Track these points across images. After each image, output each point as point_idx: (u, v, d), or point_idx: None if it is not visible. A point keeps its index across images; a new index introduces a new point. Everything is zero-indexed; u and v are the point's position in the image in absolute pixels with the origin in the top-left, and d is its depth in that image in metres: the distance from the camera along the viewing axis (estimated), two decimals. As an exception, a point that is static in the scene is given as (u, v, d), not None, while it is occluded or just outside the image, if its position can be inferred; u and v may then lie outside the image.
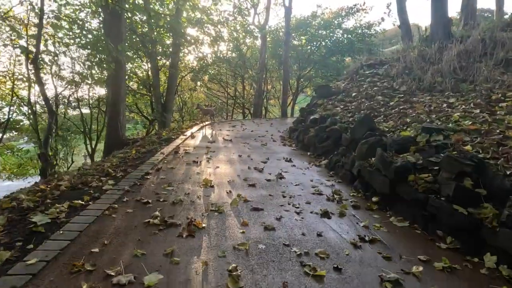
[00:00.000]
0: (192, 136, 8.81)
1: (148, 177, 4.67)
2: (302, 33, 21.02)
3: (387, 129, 5.59)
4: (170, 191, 4.11)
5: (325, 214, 3.67)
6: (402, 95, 7.44)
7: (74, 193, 3.87)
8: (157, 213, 3.31)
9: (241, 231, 3.08)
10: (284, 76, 18.42)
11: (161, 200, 3.74)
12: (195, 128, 10.30)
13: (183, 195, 3.98)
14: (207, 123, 11.92)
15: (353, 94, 8.51)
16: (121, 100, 9.24)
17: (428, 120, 5.28)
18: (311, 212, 3.72)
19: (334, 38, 20.90)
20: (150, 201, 3.68)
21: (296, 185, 4.80)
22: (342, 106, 8.16)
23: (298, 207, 3.85)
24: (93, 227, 2.99)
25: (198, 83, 19.18)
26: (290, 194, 4.32)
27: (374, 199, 4.19)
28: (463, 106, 5.65)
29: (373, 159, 4.62)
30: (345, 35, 20.68)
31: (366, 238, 3.12)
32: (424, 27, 14.54)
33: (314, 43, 21.58)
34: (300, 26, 20.57)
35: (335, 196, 4.34)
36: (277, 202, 3.97)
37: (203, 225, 3.13)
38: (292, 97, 22.24)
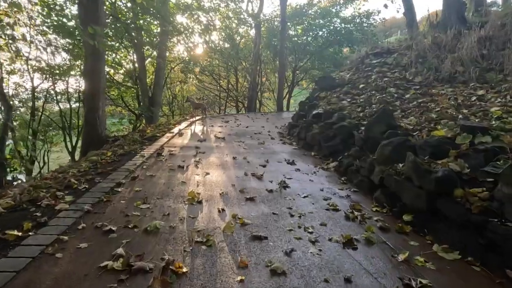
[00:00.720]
0: (180, 133, 7.83)
1: (120, 189, 3.71)
2: (298, 22, 20.01)
3: (411, 127, 4.69)
4: (145, 211, 3.17)
5: (349, 243, 2.77)
6: (418, 87, 6.55)
7: (13, 216, 2.91)
8: (121, 250, 2.37)
9: (238, 278, 2.16)
10: (280, 68, 17.45)
11: (130, 226, 2.80)
12: (184, 124, 9.31)
13: (161, 217, 3.04)
14: (197, 118, 10.93)
15: (361, 85, 7.60)
16: (100, 93, 8.20)
17: (461, 117, 4.39)
18: (330, 240, 2.82)
19: (332, 27, 19.93)
20: (114, 228, 2.73)
21: (304, 197, 3.89)
22: (349, 99, 7.25)
23: (312, 232, 2.94)
24: (22, 277, 2.04)
25: (189, 75, 18.08)
26: (299, 211, 3.41)
27: (405, 217, 3.30)
28: (499, 99, 4.78)
29: (400, 165, 3.72)
30: (343, 25, 19.72)
31: (414, 285, 2.23)
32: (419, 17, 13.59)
33: (311, 33, 20.60)
34: (296, 15, 19.55)
35: (355, 212, 3.44)
36: (284, 225, 3.05)
37: (184, 269, 2.20)
38: (287, 90, 21.27)
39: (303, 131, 7.19)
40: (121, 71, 14.22)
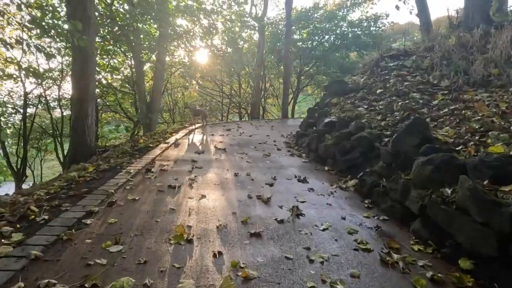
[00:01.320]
0: (177, 144, 7.05)
1: (89, 221, 2.91)
2: (303, 26, 19.30)
3: (450, 140, 3.87)
4: (114, 256, 2.36)
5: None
6: (447, 92, 5.74)
7: None
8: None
9: None
10: (285, 73, 16.71)
11: (87, 285, 1.99)
12: (182, 133, 8.53)
13: (135, 266, 2.23)
14: (197, 125, 10.15)
15: (378, 90, 6.79)
16: (89, 98, 7.46)
17: (515, 127, 3.58)
18: (370, 305, 1.99)
19: (338, 31, 19.20)
20: (64, 290, 1.92)
21: (324, 229, 3.07)
22: (366, 106, 6.44)
23: (342, 291, 2.12)
24: None
25: (192, 81, 17.37)
26: (319, 253, 2.59)
27: (463, 263, 2.47)
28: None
29: (447, 190, 2.90)
30: (350, 29, 18.99)
31: None
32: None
33: (316, 37, 19.88)
34: (301, 19, 18.83)
35: (393, 254, 2.62)
36: (303, 278, 2.23)
37: None
38: (292, 96, 20.49)
39: (314, 141, 6.38)
40: (118, 76, 13.50)
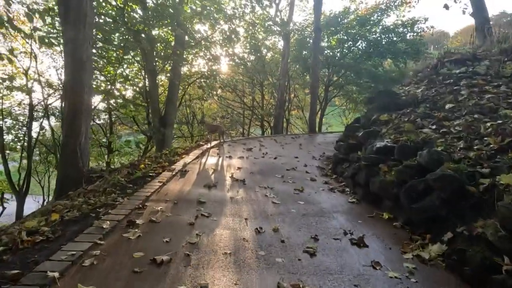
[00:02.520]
0: (184, 171, 5.61)
1: None
2: (332, 32, 17.76)
3: None
4: None
5: None
6: (560, 108, 4.02)
7: None
8: None
9: None
10: (313, 82, 15.12)
11: None
12: (193, 154, 7.11)
13: None
14: (213, 143, 8.74)
15: (448, 105, 5.11)
16: (83, 113, 6.21)
17: None
18: None
19: (371, 38, 17.52)
20: None
21: None
22: (433, 126, 4.77)
23: None
24: None
25: (209, 91, 16.10)
26: None
27: None
28: None
29: None
30: (384, 34, 17.26)
31: None
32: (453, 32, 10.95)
33: (346, 44, 18.30)
34: (329, 25, 17.32)
35: None
36: None
37: None
38: (319, 108, 18.86)
39: (362, 173, 4.77)
40: (130, 87, 12.40)
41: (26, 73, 11.49)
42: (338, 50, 18.67)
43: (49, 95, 12.58)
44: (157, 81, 11.87)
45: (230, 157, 7.21)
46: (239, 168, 6.10)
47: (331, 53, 18.61)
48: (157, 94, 11.86)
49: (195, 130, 18.11)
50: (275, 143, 10.08)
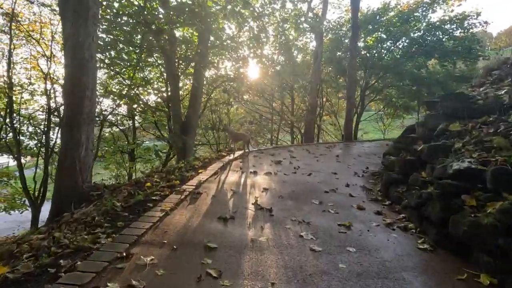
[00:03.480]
0: (196, 193, 4.50)
1: None
2: (369, 31, 16.24)
3: None
4: None
5: None
6: None
7: None
8: None
9: None
10: (350, 85, 13.69)
11: None
12: (212, 169, 6.02)
13: None
14: (237, 154, 7.63)
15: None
16: (84, 121, 5.28)
17: None
18: None
19: (414, 35, 15.81)
20: None
21: None
22: (541, 142, 3.35)
23: None
24: None
25: (238, 96, 15.05)
26: None
27: None
28: None
29: None
30: (430, 32, 15.50)
31: None
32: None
33: (385, 44, 16.71)
34: (367, 23, 15.80)
35: None
36: None
37: None
38: (354, 114, 17.30)
39: (435, 205, 3.42)
40: (151, 91, 11.58)
41: (46, 77, 11.00)
42: (376, 50, 17.10)
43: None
44: (179, 85, 10.95)
45: (255, 172, 6.03)
46: (265, 189, 4.91)
47: (368, 54, 17.08)
48: (179, 98, 10.94)
49: (220, 136, 17.13)
50: (308, 154, 8.80)
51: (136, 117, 13.92)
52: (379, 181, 5.90)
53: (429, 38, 15.49)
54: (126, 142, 14.05)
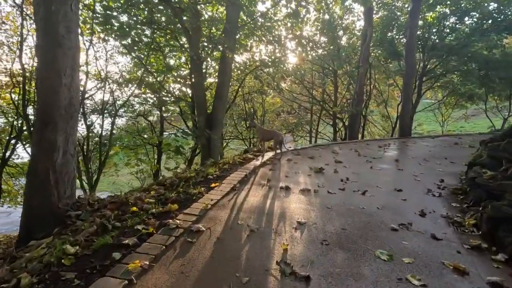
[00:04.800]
0: (194, 232, 2.97)
1: None
2: (429, 6, 13.65)
3: None
4: None
5: None
6: None
7: None
8: None
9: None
10: (407, 68, 11.46)
11: None
12: (229, 182, 4.48)
13: None
14: (266, 157, 6.04)
15: None
16: (62, 117, 3.97)
17: None
18: None
19: (485, 11, 13.01)
20: None
21: None
22: None
23: None
24: None
25: (274, 84, 13.31)
26: None
27: None
28: None
29: None
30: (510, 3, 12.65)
31: None
32: None
33: (448, 22, 14.07)
34: (426, -2, 13.26)
35: None
36: None
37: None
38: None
39: None
40: (172, 78, 10.21)
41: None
42: (437, 29, 14.48)
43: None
44: (203, 71, 9.49)
45: (287, 188, 4.39)
46: (300, 224, 3.26)
47: (427, 34, 14.52)
48: (203, 87, 9.48)
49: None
50: (357, 156, 6.99)
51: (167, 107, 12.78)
52: (466, 204, 4.05)
53: (503, 13, 12.67)
54: (151, 135, 13.01)
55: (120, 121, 14.11)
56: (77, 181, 10.23)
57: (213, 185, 4.33)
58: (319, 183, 4.76)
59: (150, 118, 14.36)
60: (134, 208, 3.51)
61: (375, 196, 4.31)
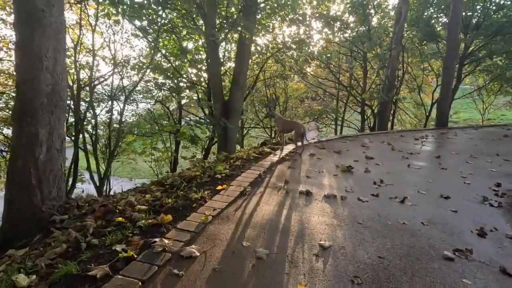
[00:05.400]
0: (185, 258, 2.30)
1: None
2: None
3: None
4: None
5: None
6: None
7: None
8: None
9: None
10: (448, 49, 10.21)
11: None
12: (240, 184, 3.79)
13: None
14: (285, 151, 5.29)
15: None
16: (45, 106, 3.40)
17: None
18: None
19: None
20: None
21: None
22: None
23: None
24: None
25: (292, 67, 12.33)
26: None
27: None
28: None
29: None
30: None
31: None
32: None
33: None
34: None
35: None
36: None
37: None
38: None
39: None
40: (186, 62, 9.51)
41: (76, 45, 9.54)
42: (481, 6, 12.93)
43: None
44: (219, 53, 8.74)
45: (308, 194, 3.64)
46: (322, 247, 2.51)
47: (469, 12, 13.00)
48: (220, 71, 8.74)
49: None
50: (391, 151, 6.10)
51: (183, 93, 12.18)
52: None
53: None
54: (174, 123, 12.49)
55: (135, 108, 13.71)
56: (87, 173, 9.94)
57: (219, 187, 3.64)
58: (347, 186, 3.97)
59: (169, 106, 13.85)
60: (120, 219, 2.89)
61: (417, 206, 3.48)
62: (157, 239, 2.46)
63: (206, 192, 3.48)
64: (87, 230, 2.75)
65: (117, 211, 3.13)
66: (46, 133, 3.53)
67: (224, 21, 8.72)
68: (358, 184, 4.08)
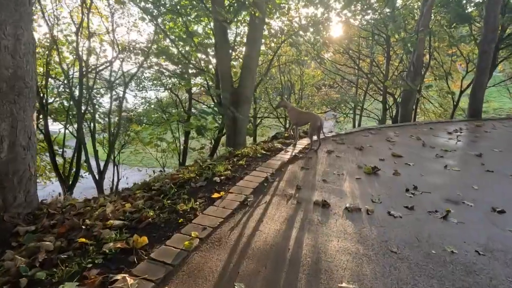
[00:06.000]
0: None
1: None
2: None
3: None
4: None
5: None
6: None
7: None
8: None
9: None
10: (486, 31, 9.11)
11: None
12: (241, 190, 3.10)
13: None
14: (298, 147, 4.57)
15: None
16: (5, 91, 2.80)
17: None
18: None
19: None
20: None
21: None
22: None
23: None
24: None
25: (308, 52, 11.36)
26: None
27: None
28: None
29: None
30: None
31: None
32: None
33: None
34: None
35: None
36: None
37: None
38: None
39: None
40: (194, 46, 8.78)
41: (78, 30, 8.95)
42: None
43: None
44: (228, 36, 7.98)
45: (324, 205, 2.92)
46: (346, 295, 1.83)
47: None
48: (229, 56, 8.01)
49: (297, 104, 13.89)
50: (421, 147, 5.28)
51: (193, 81, 11.51)
52: None
53: None
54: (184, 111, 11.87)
55: (145, 95, 13.16)
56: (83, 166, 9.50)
57: (215, 195, 2.97)
58: (374, 195, 3.23)
59: (180, 94, 13.24)
60: (83, 239, 2.26)
61: (465, 224, 2.72)
62: (119, 276, 1.81)
63: (198, 202, 2.82)
64: (37, 257, 2.13)
65: (84, 227, 2.50)
66: (8, 126, 2.91)
67: (234, 0, 7.93)
68: (386, 192, 3.33)
